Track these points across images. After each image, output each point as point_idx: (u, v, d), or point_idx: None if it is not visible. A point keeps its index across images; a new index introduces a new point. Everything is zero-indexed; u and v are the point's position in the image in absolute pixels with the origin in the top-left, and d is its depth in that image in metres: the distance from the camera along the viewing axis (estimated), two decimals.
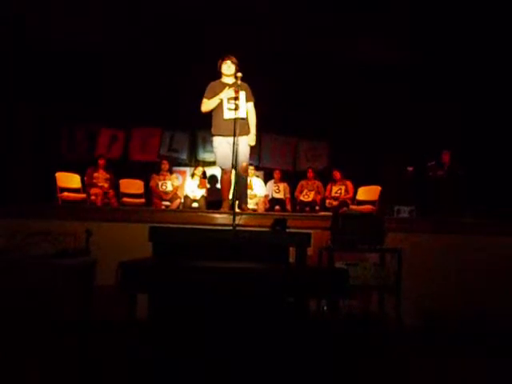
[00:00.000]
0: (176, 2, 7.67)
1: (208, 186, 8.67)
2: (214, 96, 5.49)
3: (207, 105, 5.53)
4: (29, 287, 3.83)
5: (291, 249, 3.77)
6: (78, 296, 4.18)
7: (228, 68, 5.52)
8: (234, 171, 5.43)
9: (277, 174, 9.17)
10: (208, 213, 5.52)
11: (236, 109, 5.22)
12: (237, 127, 5.13)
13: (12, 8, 7.29)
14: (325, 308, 3.82)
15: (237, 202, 5.72)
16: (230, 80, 5.52)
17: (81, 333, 3.91)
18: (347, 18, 7.76)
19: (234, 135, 4.73)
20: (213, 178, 8.80)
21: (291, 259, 3.75)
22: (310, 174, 9.14)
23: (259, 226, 4.65)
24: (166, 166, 8.81)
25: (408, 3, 7.49)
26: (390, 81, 8.63)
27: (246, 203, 5.80)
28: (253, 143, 5.64)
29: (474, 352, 4.04)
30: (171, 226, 4.65)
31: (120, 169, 9.09)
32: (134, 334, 3.01)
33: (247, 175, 5.81)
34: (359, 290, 4.43)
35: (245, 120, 5.50)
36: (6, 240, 4.23)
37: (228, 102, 5.33)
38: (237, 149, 5.37)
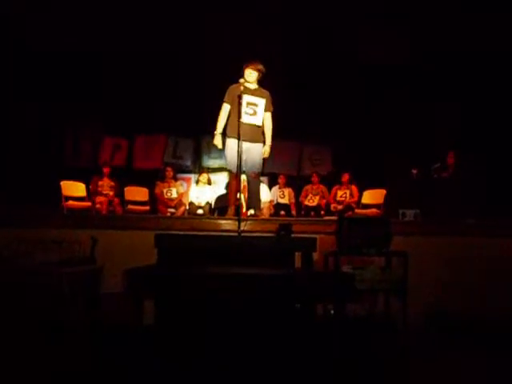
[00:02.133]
0: (179, 8, 7.70)
1: (216, 192, 8.65)
2: (233, 100, 5.41)
3: (221, 116, 5.53)
4: (35, 295, 3.84)
5: (297, 254, 3.76)
6: (84, 303, 4.19)
7: (250, 74, 5.44)
8: (244, 177, 5.38)
9: (281, 179, 9.16)
10: (213, 219, 5.52)
11: (253, 114, 5.20)
12: (250, 133, 5.15)
13: (12, 12, 7.33)
14: (331, 312, 3.81)
15: (251, 209, 5.71)
16: (252, 85, 5.46)
17: (87, 339, 3.91)
18: (348, 21, 7.79)
19: (239, 139, 4.72)
20: (220, 184, 8.82)
21: (297, 264, 3.75)
22: (315, 178, 9.12)
23: (264, 232, 4.64)
24: (170, 173, 8.81)
25: (408, 4, 7.50)
26: (392, 83, 8.63)
27: (260, 209, 5.76)
28: (267, 155, 5.61)
29: (481, 354, 4.02)
30: (177, 232, 4.67)
31: (125, 176, 9.10)
32: (141, 340, 3.01)
33: (258, 181, 5.77)
34: (366, 293, 4.41)
35: (261, 128, 5.49)
36: (12, 248, 4.25)
37: (246, 106, 5.26)
38: (250, 155, 5.38)
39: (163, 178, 8.79)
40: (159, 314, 3.13)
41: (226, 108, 5.53)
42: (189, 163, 9.92)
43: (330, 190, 9.04)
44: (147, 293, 3.00)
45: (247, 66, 5.47)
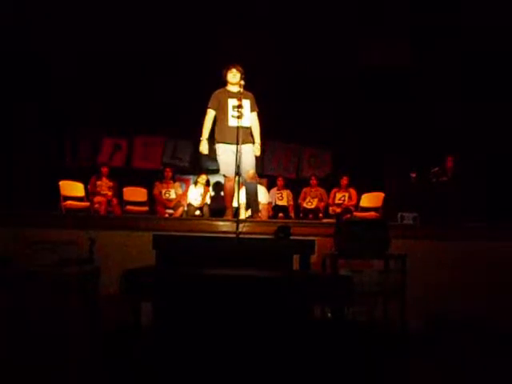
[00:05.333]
0: (179, 12, 7.72)
1: (212, 193, 8.66)
2: (218, 105, 5.48)
3: (206, 122, 5.56)
4: (32, 296, 3.83)
5: (295, 256, 3.76)
6: (81, 305, 4.17)
7: (233, 76, 5.47)
8: (240, 179, 5.40)
9: (280, 182, 9.16)
10: (211, 220, 5.51)
11: (240, 117, 5.21)
12: (240, 135, 5.16)
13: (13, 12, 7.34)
14: (329, 315, 3.80)
15: (249, 210, 5.72)
16: (234, 88, 5.47)
17: (85, 341, 3.90)
18: (347, 26, 7.80)
19: (238, 143, 4.74)
20: (217, 185, 8.80)
21: (295, 266, 3.75)
22: (313, 181, 9.13)
23: (263, 234, 4.64)
24: (169, 173, 8.81)
25: (407, 7, 7.51)
26: (391, 86, 8.64)
27: (258, 211, 5.77)
28: (258, 153, 5.64)
29: (481, 358, 4.01)
30: (175, 233, 4.66)
31: (123, 177, 9.10)
32: (139, 342, 3.01)
33: (256, 182, 5.77)
34: (364, 296, 4.41)
35: (249, 129, 5.51)
36: (10, 249, 4.24)
37: (233, 110, 5.29)
38: (242, 157, 5.38)
39: (162, 179, 8.79)
40: (157, 316, 3.13)
41: (210, 114, 5.56)
42: (187, 164, 9.93)
43: (328, 192, 9.05)
44: (145, 294, 2.99)
45: (230, 68, 5.51)
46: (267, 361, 2.92)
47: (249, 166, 5.50)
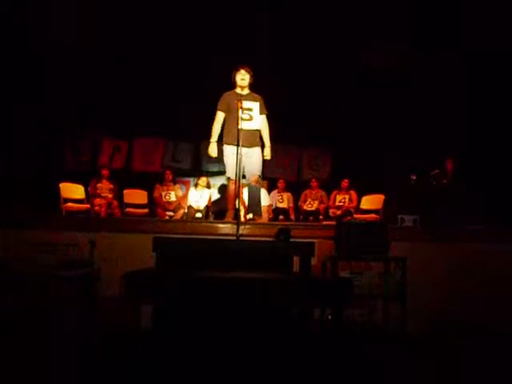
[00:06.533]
0: (178, 13, 7.72)
1: (217, 195, 8.66)
2: (227, 107, 5.46)
3: (215, 124, 5.55)
4: (33, 298, 3.84)
5: (295, 258, 3.76)
6: (82, 307, 4.18)
7: (242, 78, 5.48)
8: (243, 181, 5.40)
9: (280, 184, 9.17)
10: (212, 223, 5.51)
11: (249, 119, 5.20)
12: (248, 138, 5.16)
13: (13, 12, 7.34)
14: (329, 317, 3.80)
15: (251, 214, 5.72)
16: (244, 91, 5.48)
17: (85, 344, 3.90)
18: (348, 25, 7.81)
19: (238, 145, 4.73)
20: (220, 188, 8.83)
21: (295, 269, 3.75)
22: (314, 183, 9.14)
23: (263, 236, 4.64)
24: (169, 176, 8.81)
25: (407, 7, 7.52)
26: (391, 88, 8.64)
27: (260, 214, 5.76)
28: (269, 157, 5.64)
29: (481, 361, 4.01)
30: (175, 236, 4.67)
31: (124, 179, 9.10)
32: (139, 344, 3.01)
33: (259, 186, 5.75)
34: (364, 298, 4.41)
35: (258, 132, 5.50)
36: (10, 251, 4.24)
37: (242, 112, 5.27)
38: (249, 160, 5.38)
39: (162, 181, 8.79)
40: (157, 318, 3.13)
41: (220, 116, 5.55)
42: (188, 166, 9.92)
43: (328, 194, 9.05)
44: (145, 296, 2.99)
45: (239, 70, 5.49)
46: (267, 362, 2.92)
47: (255, 169, 5.50)
